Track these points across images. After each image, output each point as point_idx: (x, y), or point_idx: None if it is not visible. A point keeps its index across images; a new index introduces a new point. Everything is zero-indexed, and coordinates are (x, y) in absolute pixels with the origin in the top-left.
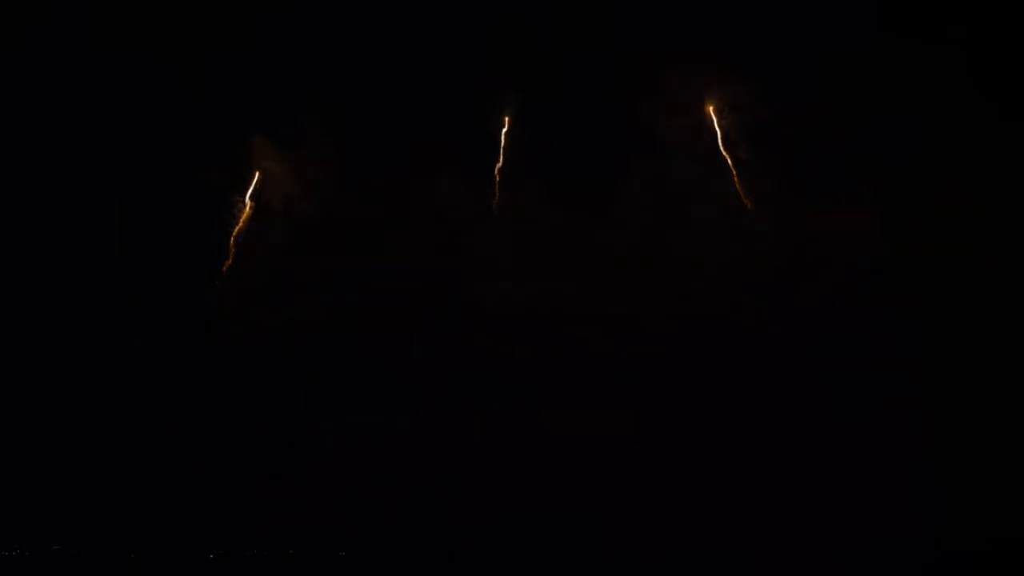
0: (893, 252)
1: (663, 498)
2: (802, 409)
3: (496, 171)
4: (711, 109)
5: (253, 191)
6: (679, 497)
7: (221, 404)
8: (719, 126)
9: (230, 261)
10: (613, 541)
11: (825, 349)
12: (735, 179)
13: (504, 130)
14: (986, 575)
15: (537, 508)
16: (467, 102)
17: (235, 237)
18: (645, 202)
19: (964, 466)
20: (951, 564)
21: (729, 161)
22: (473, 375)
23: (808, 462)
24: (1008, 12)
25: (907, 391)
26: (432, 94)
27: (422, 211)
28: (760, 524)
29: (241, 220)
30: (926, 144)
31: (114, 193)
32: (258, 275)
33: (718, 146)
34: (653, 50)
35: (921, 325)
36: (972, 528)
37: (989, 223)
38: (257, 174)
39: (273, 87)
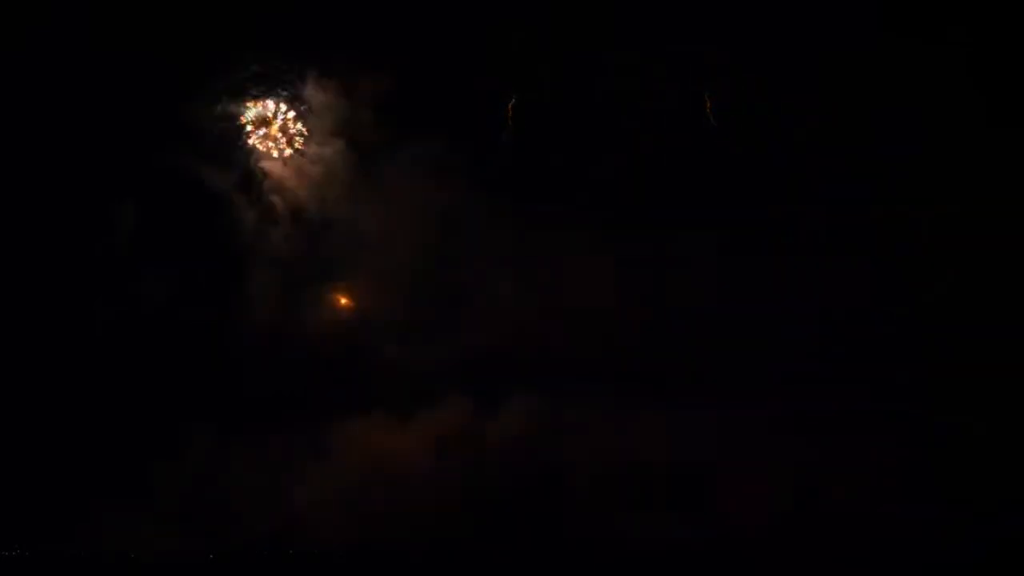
0: (893, 252)
1: (664, 497)
2: (801, 408)
3: (498, 171)
4: (710, 109)
5: (256, 192)
6: (680, 496)
7: (222, 404)
8: (720, 126)
9: (234, 261)
10: (614, 540)
11: (825, 348)
12: (735, 178)
13: (505, 131)
14: (986, 575)
15: (538, 506)
16: (468, 102)
17: (240, 238)
18: (647, 202)
19: (964, 465)
20: (951, 564)
21: (730, 161)
22: (475, 374)
23: (807, 461)
24: (1008, 12)
25: (907, 390)
26: (433, 94)
27: (424, 211)
28: (760, 523)
29: (245, 221)
30: (926, 144)
31: (119, 194)
32: (262, 275)
33: (718, 146)
34: (653, 50)
35: (921, 325)
36: (972, 528)
37: (989, 223)
38: (260, 174)
39: (274, 87)
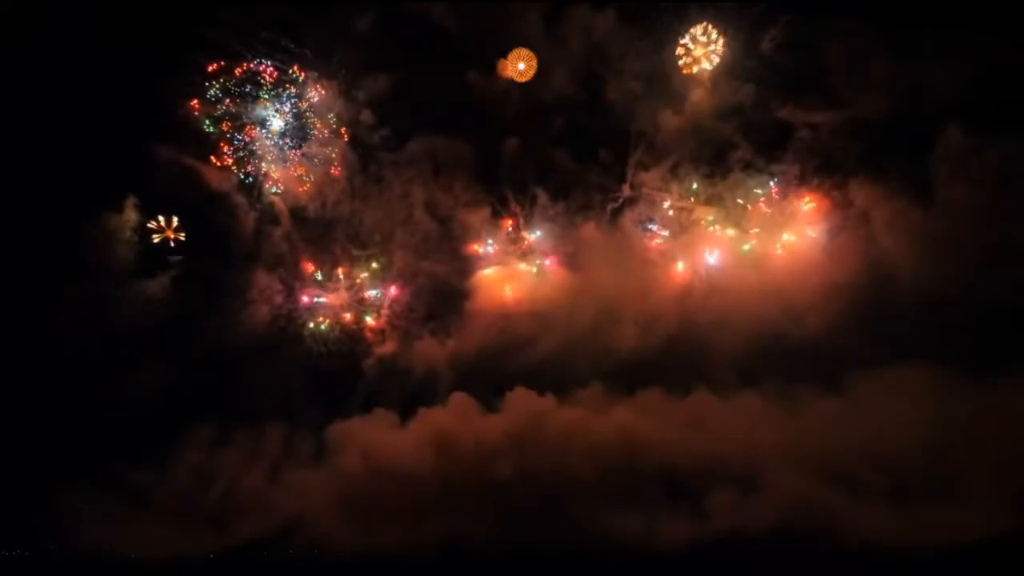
0: (893, 252)
1: (667, 495)
2: (802, 406)
3: (501, 171)
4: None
5: (259, 192)
6: (685, 494)
7: (222, 404)
8: (724, 128)
9: (238, 260)
10: (616, 536)
11: (826, 347)
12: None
13: (507, 129)
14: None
15: (542, 503)
16: (470, 103)
17: (242, 237)
18: (651, 202)
19: (964, 463)
20: (951, 564)
21: (732, 162)
22: (478, 372)
23: (807, 458)
24: (1008, 16)
25: (906, 388)
26: (435, 95)
27: (426, 211)
28: (761, 521)
29: (248, 221)
30: (926, 144)
31: (123, 195)
32: (265, 274)
33: (720, 149)
34: (659, 52)
35: (919, 325)
36: (972, 527)
37: (989, 222)
38: (263, 175)
39: (276, 87)
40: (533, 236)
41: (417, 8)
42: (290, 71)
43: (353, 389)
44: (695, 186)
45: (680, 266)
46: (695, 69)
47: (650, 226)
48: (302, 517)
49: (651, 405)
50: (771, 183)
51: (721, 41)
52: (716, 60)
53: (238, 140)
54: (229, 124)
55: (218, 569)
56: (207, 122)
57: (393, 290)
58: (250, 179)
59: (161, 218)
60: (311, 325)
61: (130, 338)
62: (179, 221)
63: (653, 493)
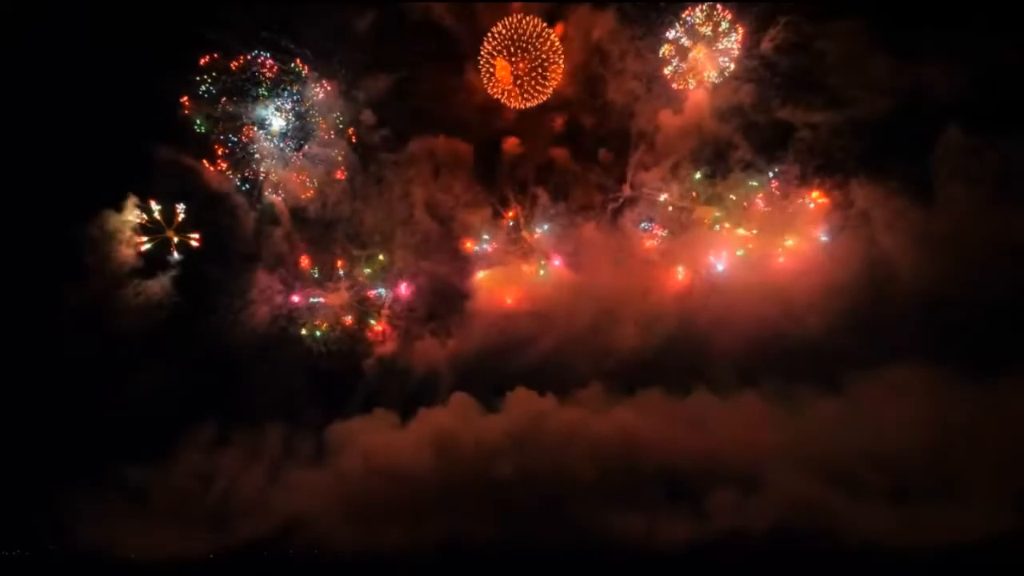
0: (893, 252)
1: (667, 495)
2: (802, 406)
3: (501, 170)
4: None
5: (260, 192)
6: (685, 494)
7: (222, 404)
8: (724, 127)
9: (238, 260)
10: (616, 536)
11: (826, 346)
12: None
13: (507, 129)
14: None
15: (542, 503)
16: (470, 103)
17: (242, 237)
18: (651, 202)
19: (964, 463)
20: (951, 564)
21: (732, 162)
22: (479, 372)
23: (807, 458)
24: (1008, 16)
25: (906, 388)
26: (435, 94)
27: (427, 211)
28: (761, 521)
29: (248, 221)
30: (926, 144)
31: (123, 194)
32: (265, 274)
33: (722, 148)
34: (659, 52)
35: (919, 325)
36: (972, 527)
37: (989, 222)
38: (262, 180)
39: (276, 85)
40: (539, 231)
41: (417, 8)
42: (292, 64)
43: (353, 389)
44: (697, 176)
45: (680, 267)
46: (691, 84)
47: (650, 226)
48: (302, 517)
49: (651, 405)
50: (769, 175)
51: (736, 36)
52: (729, 63)
53: (233, 142)
54: (224, 125)
55: (218, 569)
56: (198, 122)
57: (404, 288)
58: (247, 186)
59: (157, 213)
60: (304, 332)
61: (130, 338)
62: (182, 223)
63: (653, 493)
